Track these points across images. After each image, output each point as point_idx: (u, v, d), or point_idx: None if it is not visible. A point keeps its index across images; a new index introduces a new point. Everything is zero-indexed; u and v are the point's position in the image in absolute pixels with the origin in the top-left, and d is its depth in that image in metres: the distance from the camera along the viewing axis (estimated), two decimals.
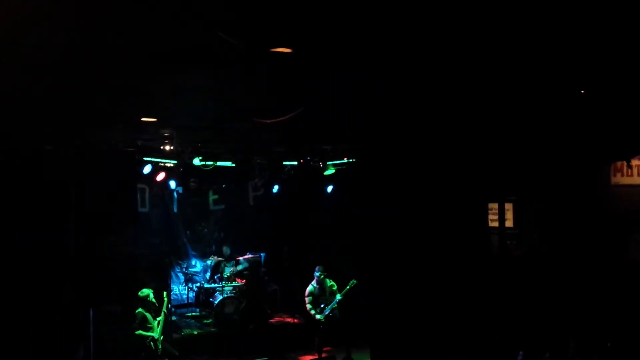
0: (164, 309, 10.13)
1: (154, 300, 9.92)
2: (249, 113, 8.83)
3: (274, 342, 11.38)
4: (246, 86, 7.39)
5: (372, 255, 10.19)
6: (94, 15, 4.73)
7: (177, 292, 13.71)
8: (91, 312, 9.94)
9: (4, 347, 9.22)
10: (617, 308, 8.64)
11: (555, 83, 7.02)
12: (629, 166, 9.28)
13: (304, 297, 11.26)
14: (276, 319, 13.29)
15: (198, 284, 13.51)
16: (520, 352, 8.36)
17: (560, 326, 8.70)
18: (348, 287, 10.95)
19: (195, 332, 12.33)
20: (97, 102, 7.95)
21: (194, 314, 13.40)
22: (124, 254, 10.97)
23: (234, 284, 13.05)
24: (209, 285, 13.21)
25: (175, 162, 11.91)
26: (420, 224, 9.14)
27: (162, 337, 9.89)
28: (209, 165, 12.36)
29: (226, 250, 13.82)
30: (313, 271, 11.25)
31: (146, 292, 9.86)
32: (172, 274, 13.46)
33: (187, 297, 13.77)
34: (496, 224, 9.91)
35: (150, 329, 9.78)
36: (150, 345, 9.68)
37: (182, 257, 14.04)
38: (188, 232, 14.58)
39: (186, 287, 13.79)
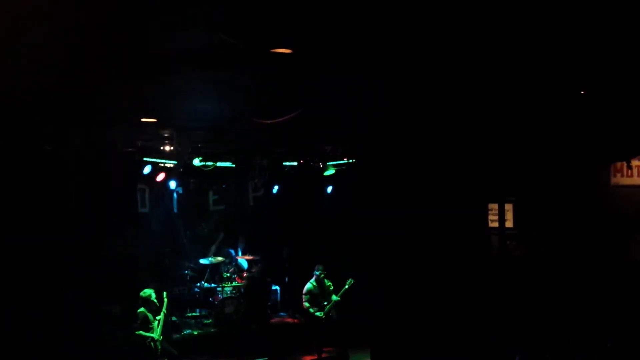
0: (164, 309, 10.12)
1: (155, 300, 9.92)
2: (249, 113, 8.83)
3: (274, 342, 11.37)
4: (246, 86, 7.40)
5: (372, 255, 10.18)
6: (94, 15, 4.73)
7: (177, 292, 13.70)
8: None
9: (4, 347, 9.21)
10: (617, 308, 8.64)
11: (555, 83, 7.02)
12: (629, 167, 9.28)
13: (301, 294, 11.25)
14: (276, 319, 13.29)
15: (198, 284, 13.51)
16: (519, 353, 8.36)
17: (560, 326, 8.70)
18: (346, 286, 10.95)
19: (195, 332, 12.32)
20: (97, 102, 7.95)
21: (194, 314, 13.39)
22: (124, 254, 10.99)
23: (234, 284, 13.05)
24: (209, 285, 13.21)
25: (175, 162, 11.91)
26: (420, 224, 9.14)
27: (162, 337, 9.89)
28: (209, 166, 12.36)
29: (236, 249, 13.89)
30: (313, 270, 11.25)
31: (148, 292, 9.85)
32: (172, 274, 13.44)
33: (187, 298, 13.75)
34: (496, 225, 9.91)
35: (151, 329, 9.77)
36: (150, 345, 9.68)
37: (182, 257, 14.02)
38: (188, 232, 14.57)
39: (186, 288, 13.77)
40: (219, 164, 12.56)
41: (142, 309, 9.73)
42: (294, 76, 6.80)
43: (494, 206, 10.03)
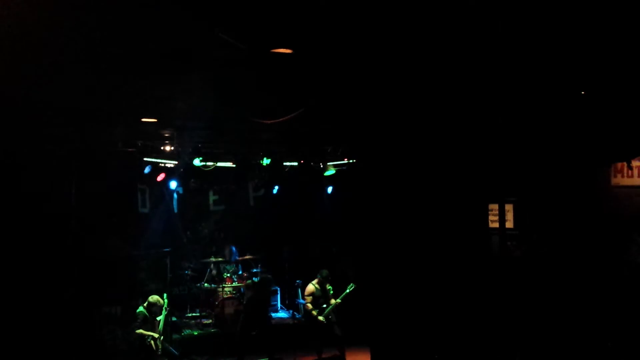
0: (165, 309, 10.13)
1: (160, 304, 9.91)
2: (249, 113, 8.84)
3: (274, 343, 11.36)
4: (246, 86, 7.40)
5: (372, 255, 10.18)
6: (95, 15, 4.73)
7: (177, 292, 13.70)
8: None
9: (5, 347, 9.21)
10: (617, 309, 8.63)
11: (555, 84, 7.02)
12: (630, 167, 9.26)
13: (303, 295, 11.22)
14: (276, 318, 13.28)
15: (198, 284, 13.51)
16: (519, 354, 8.36)
17: (560, 327, 8.69)
18: (347, 290, 10.90)
19: (195, 333, 12.31)
20: (97, 102, 7.95)
21: (194, 314, 13.40)
22: (124, 254, 11.00)
23: (234, 284, 13.05)
24: (209, 285, 13.21)
25: (176, 162, 11.91)
26: (421, 224, 9.14)
27: (162, 337, 9.89)
28: (209, 166, 12.36)
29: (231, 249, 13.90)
30: (312, 271, 11.23)
31: (156, 297, 9.85)
32: (172, 274, 13.45)
33: (187, 298, 13.75)
34: (496, 225, 9.90)
35: (152, 329, 9.77)
36: (151, 345, 9.68)
37: (182, 257, 14.03)
38: (188, 232, 14.58)
39: (186, 287, 13.78)
40: (219, 164, 12.56)
41: (141, 309, 9.73)
42: (294, 76, 6.80)
43: (494, 206, 10.01)
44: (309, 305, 10.95)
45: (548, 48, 5.71)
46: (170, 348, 10.21)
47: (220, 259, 13.61)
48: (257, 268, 13.20)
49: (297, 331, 12.56)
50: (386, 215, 9.55)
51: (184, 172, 12.35)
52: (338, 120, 9.70)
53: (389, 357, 9.63)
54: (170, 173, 12.24)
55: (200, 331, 12.41)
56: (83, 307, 10.31)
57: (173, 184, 12.83)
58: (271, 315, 13.00)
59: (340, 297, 10.94)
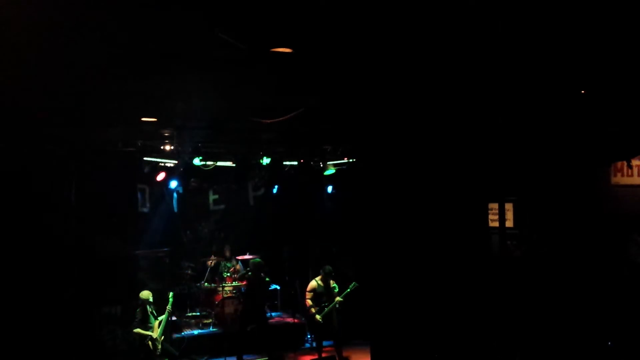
0: (168, 308, 10.14)
1: (152, 300, 9.93)
2: (249, 113, 8.84)
3: (274, 342, 11.36)
4: (246, 86, 7.40)
5: (372, 255, 10.18)
6: (95, 15, 4.73)
7: (177, 292, 13.71)
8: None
9: (5, 347, 9.22)
10: (617, 308, 8.63)
11: (555, 83, 7.02)
12: (629, 166, 9.26)
13: (304, 291, 11.19)
14: (276, 319, 13.29)
15: (198, 284, 13.52)
16: (519, 354, 8.36)
17: (560, 327, 8.69)
18: (349, 289, 10.87)
19: (195, 332, 12.32)
20: (97, 102, 7.95)
21: (194, 314, 13.41)
22: (124, 254, 10.99)
23: (234, 284, 13.05)
24: (209, 285, 13.21)
25: (176, 161, 11.92)
26: (421, 223, 9.14)
27: (162, 337, 9.89)
28: (209, 165, 12.36)
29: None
30: (312, 270, 11.22)
31: (146, 294, 9.88)
32: (172, 274, 13.45)
33: (187, 297, 13.76)
34: (496, 224, 9.90)
35: (150, 328, 9.78)
36: (149, 344, 9.68)
37: (182, 257, 14.03)
38: (188, 232, 14.59)
39: (186, 287, 13.79)
40: (219, 163, 12.56)
41: (140, 309, 9.76)
42: (294, 76, 6.80)
43: (494, 206, 10.01)
44: (309, 302, 10.89)
45: (548, 48, 5.71)
46: (170, 348, 10.22)
47: (220, 259, 13.62)
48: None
49: (297, 330, 12.59)
50: (386, 215, 9.55)
51: (184, 172, 12.35)
52: (338, 120, 9.69)
53: (389, 357, 9.63)
54: (170, 172, 12.25)
55: (200, 331, 12.42)
56: (83, 307, 10.31)
57: (173, 184, 12.84)
58: (271, 315, 13.01)
59: (342, 295, 10.91)
